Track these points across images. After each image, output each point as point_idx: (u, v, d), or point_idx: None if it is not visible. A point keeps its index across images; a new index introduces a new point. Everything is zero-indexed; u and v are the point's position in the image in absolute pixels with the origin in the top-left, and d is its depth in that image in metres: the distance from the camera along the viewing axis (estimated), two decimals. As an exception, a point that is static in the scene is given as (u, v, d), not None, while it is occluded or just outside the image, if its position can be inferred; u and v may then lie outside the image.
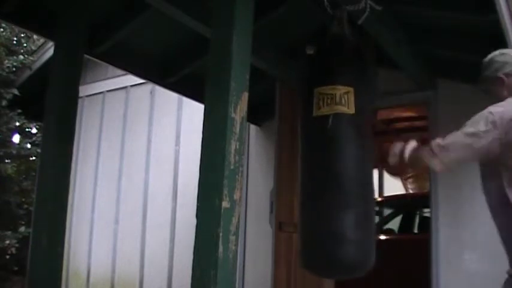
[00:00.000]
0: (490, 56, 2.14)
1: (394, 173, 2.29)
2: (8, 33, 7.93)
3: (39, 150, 7.50)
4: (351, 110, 2.41)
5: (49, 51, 5.12)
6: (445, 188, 4.01)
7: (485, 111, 1.90)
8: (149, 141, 5.89)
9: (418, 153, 1.96)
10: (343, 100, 2.41)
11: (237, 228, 1.87)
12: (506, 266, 1.96)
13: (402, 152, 1.98)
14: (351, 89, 2.41)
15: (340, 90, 2.41)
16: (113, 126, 6.25)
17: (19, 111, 6.63)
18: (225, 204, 1.82)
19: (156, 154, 5.83)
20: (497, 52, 2.14)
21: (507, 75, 2.05)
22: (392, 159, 2.02)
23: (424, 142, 2.02)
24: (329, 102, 2.40)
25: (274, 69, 3.97)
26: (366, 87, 2.52)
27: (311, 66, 2.63)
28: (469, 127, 1.88)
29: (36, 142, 8.43)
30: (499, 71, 2.06)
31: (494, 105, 1.94)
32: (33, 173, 8.08)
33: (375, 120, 6.63)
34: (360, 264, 2.43)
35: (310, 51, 2.62)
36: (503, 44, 2.81)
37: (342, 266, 2.41)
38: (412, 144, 2.00)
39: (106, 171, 6.24)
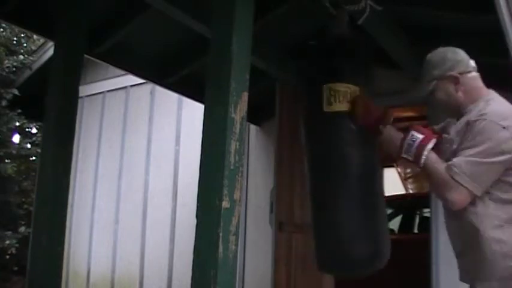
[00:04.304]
0: (439, 54, 2.04)
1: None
2: (8, 33, 7.94)
3: (39, 150, 7.50)
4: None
5: (49, 51, 5.12)
6: (445, 188, 4.00)
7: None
8: (149, 141, 5.89)
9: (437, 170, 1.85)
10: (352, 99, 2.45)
11: (237, 228, 1.87)
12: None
13: (419, 152, 1.89)
14: (358, 89, 2.44)
15: (351, 89, 2.43)
16: (113, 126, 6.24)
17: (19, 111, 6.63)
18: (225, 204, 1.82)
19: (156, 154, 5.83)
20: (445, 49, 2.05)
21: (461, 74, 1.96)
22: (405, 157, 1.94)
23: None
24: (341, 99, 2.43)
25: (274, 69, 3.97)
26: (369, 88, 2.54)
27: (321, 61, 2.64)
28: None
29: (36, 142, 8.43)
30: (453, 69, 1.97)
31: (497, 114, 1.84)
32: (33, 173, 8.08)
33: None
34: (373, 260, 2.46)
35: (313, 43, 2.63)
36: (503, 44, 2.81)
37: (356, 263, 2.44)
38: (431, 143, 1.89)
39: (106, 171, 6.24)
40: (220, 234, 1.79)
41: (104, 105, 6.41)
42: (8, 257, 7.71)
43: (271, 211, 4.30)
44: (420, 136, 1.91)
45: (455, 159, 1.83)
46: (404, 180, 7.93)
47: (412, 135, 1.93)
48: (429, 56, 2.06)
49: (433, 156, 1.89)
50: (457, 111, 1.99)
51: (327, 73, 2.56)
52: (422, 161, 1.89)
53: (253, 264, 4.84)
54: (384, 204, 2.60)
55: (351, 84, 2.43)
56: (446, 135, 2.01)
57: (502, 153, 1.78)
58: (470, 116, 1.88)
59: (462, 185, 1.78)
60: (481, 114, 1.84)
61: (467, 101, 1.96)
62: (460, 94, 1.97)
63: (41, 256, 2.55)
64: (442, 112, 2.10)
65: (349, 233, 2.40)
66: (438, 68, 2.00)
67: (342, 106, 2.41)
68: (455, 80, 1.96)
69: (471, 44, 3.34)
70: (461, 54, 2.03)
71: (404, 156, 1.95)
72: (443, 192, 1.86)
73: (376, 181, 2.50)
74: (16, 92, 6.12)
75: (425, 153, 1.88)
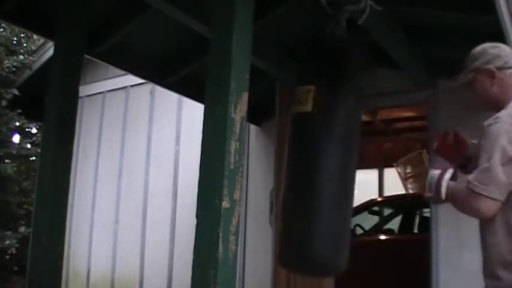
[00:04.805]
0: (481, 47, 2.05)
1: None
2: (8, 33, 7.94)
3: (39, 150, 7.50)
4: (308, 107, 2.43)
5: (49, 51, 5.12)
6: (445, 188, 4.00)
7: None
8: (149, 141, 5.89)
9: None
10: (302, 98, 2.45)
11: (237, 228, 1.87)
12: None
13: (438, 185, 1.92)
14: (312, 87, 2.43)
15: (302, 89, 2.46)
16: (113, 126, 6.25)
17: (19, 111, 6.64)
18: (225, 204, 1.82)
19: (156, 154, 5.83)
20: (489, 44, 2.05)
21: (498, 69, 1.96)
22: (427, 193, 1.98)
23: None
24: (301, 100, 2.46)
25: (274, 69, 3.97)
26: (337, 86, 2.51)
27: (294, 66, 2.73)
28: None
29: (36, 142, 8.43)
30: (490, 63, 1.97)
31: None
32: (33, 173, 8.09)
33: (375, 120, 6.66)
34: (332, 265, 2.45)
35: (301, 53, 2.66)
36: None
37: (314, 265, 2.43)
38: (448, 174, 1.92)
39: (106, 171, 6.24)
40: (220, 234, 1.79)
41: (104, 105, 6.41)
42: (8, 257, 7.71)
43: (271, 211, 4.31)
44: (437, 172, 1.96)
45: (470, 175, 1.83)
46: (404, 180, 7.92)
47: (431, 175, 1.98)
48: (475, 48, 2.09)
49: (451, 183, 1.92)
50: (493, 105, 1.97)
51: (296, 76, 2.63)
52: (443, 193, 1.92)
53: (253, 264, 4.84)
54: (350, 206, 2.59)
55: (310, 86, 2.44)
56: (474, 141, 2.03)
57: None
58: (489, 119, 1.88)
59: (481, 194, 1.77)
60: (496, 118, 1.84)
61: (503, 97, 1.95)
62: (495, 89, 1.97)
63: (41, 256, 2.55)
64: (478, 105, 2.10)
65: (313, 233, 2.39)
66: (478, 60, 2.02)
67: (301, 107, 2.44)
68: (491, 74, 1.96)
69: (471, 44, 3.35)
70: (504, 49, 2.04)
71: (428, 195, 2.00)
72: (469, 207, 1.86)
73: (340, 183, 2.47)
74: (16, 92, 6.13)
75: (444, 184, 1.92)
